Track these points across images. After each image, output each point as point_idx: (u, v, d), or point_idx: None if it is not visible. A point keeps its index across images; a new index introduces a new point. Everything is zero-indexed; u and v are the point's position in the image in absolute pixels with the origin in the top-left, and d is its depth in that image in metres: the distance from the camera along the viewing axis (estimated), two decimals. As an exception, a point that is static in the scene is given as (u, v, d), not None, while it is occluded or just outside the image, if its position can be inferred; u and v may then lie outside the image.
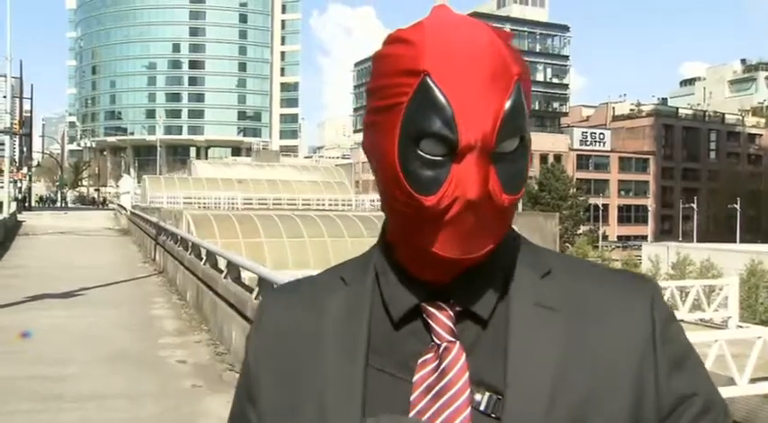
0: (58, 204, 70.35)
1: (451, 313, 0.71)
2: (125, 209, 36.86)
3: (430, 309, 0.72)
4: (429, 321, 0.71)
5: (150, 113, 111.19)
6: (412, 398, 0.69)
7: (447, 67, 0.65)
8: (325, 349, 0.73)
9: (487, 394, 0.68)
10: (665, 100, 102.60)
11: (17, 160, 45.75)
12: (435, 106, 0.65)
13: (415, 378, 0.70)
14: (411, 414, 0.69)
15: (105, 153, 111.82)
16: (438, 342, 0.70)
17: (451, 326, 0.71)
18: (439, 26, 0.68)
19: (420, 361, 0.70)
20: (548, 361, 0.69)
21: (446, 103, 0.65)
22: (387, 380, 0.71)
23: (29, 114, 59.70)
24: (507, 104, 0.66)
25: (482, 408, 0.68)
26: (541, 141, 62.52)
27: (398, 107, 0.67)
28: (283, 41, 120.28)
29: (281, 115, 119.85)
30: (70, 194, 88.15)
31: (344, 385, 0.71)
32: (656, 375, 0.71)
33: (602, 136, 72.05)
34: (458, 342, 0.70)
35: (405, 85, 0.67)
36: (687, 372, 0.74)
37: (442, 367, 0.69)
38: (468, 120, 0.64)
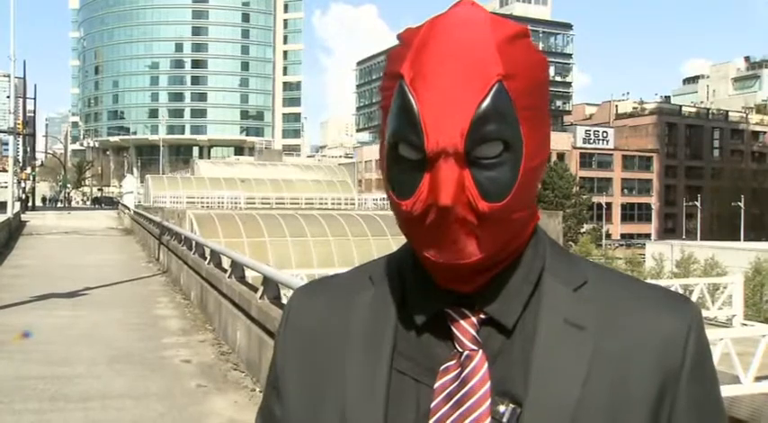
0: (61, 204, 70.53)
1: (475, 321, 0.70)
2: (128, 208, 36.94)
3: (453, 315, 0.70)
4: (452, 328, 0.70)
5: (153, 113, 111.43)
6: (432, 405, 0.68)
7: (421, 70, 0.64)
8: (350, 349, 0.73)
9: (511, 406, 0.67)
10: (668, 98, 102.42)
11: (21, 160, 45.83)
12: (406, 111, 0.64)
13: (436, 385, 0.68)
14: (431, 421, 0.68)
15: (108, 153, 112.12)
16: (460, 349, 0.69)
17: (474, 334, 0.69)
18: (434, 26, 0.66)
19: (442, 368, 0.69)
20: (572, 380, 0.67)
21: (415, 108, 0.64)
22: (410, 384, 0.70)
23: (32, 114, 59.83)
24: (481, 107, 0.63)
25: (505, 420, 0.66)
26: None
27: (387, 109, 0.68)
28: (286, 40, 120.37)
29: (284, 114, 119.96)
30: (75, 195, 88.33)
31: (367, 387, 0.70)
32: (672, 413, 0.69)
33: (605, 134, 71.97)
34: (480, 350, 0.69)
35: (390, 87, 0.67)
36: (707, 415, 0.71)
37: (463, 375, 0.68)
38: (436, 124, 0.63)
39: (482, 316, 0.70)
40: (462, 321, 0.70)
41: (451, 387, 0.68)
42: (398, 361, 0.71)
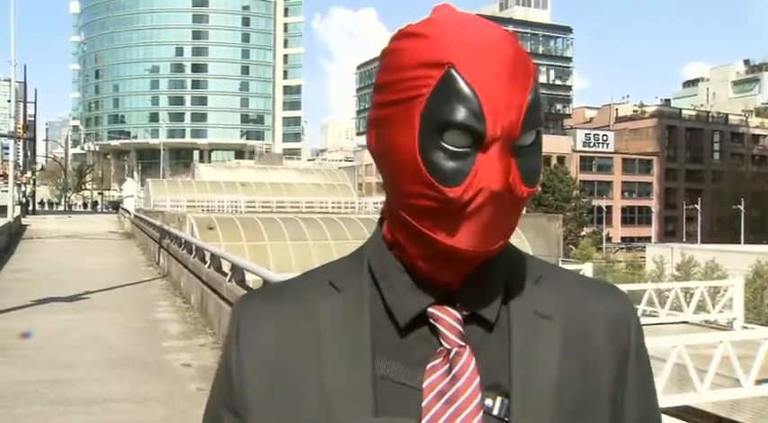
0: (62, 208, 70.47)
1: (459, 317, 0.71)
2: (129, 212, 36.96)
3: (437, 313, 0.71)
4: (437, 326, 0.71)
5: (153, 117, 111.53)
6: (424, 404, 0.68)
7: (471, 59, 0.65)
8: (327, 360, 0.71)
9: (499, 399, 0.69)
10: (668, 101, 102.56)
11: (21, 164, 45.88)
12: (461, 97, 0.65)
13: (426, 383, 0.69)
14: (424, 420, 0.68)
15: (109, 157, 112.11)
16: (448, 346, 0.70)
17: (461, 330, 0.70)
18: (454, 21, 0.68)
19: (429, 366, 0.69)
20: (550, 367, 0.70)
21: (473, 94, 0.64)
22: (394, 388, 0.70)
23: (33, 118, 59.99)
24: (529, 97, 0.66)
25: (495, 412, 0.68)
26: (545, 143, 61.54)
27: (417, 99, 0.66)
28: (286, 44, 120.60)
29: (284, 118, 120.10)
30: (75, 198, 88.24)
31: (354, 397, 0.69)
32: (624, 393, 0.75)
33: (605, 137, 71.97)
34: (468, 346, 0.70)
35: (425, 77, 0.66)
36: (649, 398, 0.78)
37: (453, 372, 0.69)
38: (494, 111, 0.65)
39: (465, 312, 0.71)
40: (447, 318, 0.71)
41: (441, 384, 0.68)
42: (380, 367, 0.70)
